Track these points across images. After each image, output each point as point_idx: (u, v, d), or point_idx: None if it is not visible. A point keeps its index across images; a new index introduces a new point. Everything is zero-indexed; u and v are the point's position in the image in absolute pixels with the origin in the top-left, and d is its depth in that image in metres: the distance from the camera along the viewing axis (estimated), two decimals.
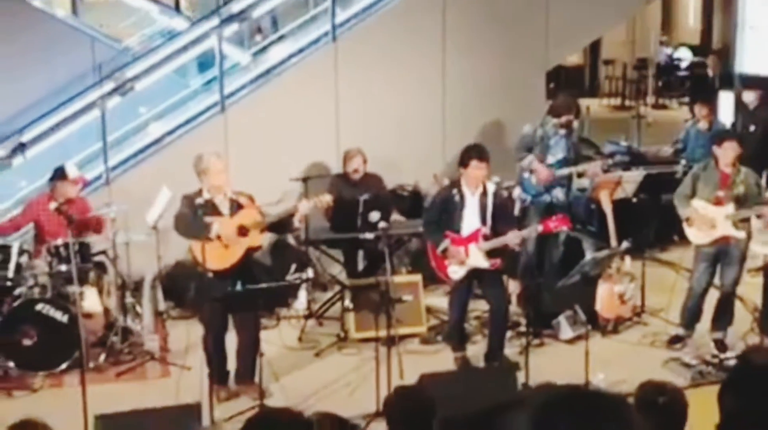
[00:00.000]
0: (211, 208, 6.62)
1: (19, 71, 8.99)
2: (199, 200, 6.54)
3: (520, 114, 9.18)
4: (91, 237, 7.73)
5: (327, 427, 3.46)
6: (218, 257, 6.59)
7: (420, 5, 9.54)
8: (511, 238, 6.90)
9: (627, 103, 18.09)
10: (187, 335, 7.53)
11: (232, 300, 6.63)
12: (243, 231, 6.65)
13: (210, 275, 6.61)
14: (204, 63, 10.05)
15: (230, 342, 6.84)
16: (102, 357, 7.32)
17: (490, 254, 6.96)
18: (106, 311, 7.63)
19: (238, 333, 6.80)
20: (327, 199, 7.11)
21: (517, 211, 8.09)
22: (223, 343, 6.74)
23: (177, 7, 10.78)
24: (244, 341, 6.75)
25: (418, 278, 8.00)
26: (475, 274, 7.07)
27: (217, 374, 6.64)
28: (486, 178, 7.00)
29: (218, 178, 6.65)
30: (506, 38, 9.75)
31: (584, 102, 12.22)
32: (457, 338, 7.31)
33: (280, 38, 10.35)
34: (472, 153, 7.00)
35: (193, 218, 6.53)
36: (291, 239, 8.83)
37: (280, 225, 6.96)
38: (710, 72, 16.68)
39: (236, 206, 6.72)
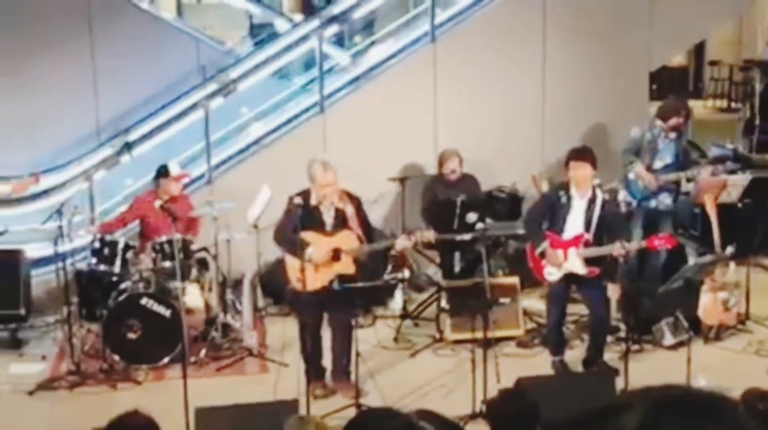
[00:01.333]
0: (316, 216, 6.64)
1: (127, 72, 9.23)
2: (298, 200, 6.56)
3: (622, 116, 9.03)
4: (196, 235, 7.91)
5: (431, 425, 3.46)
6: (310, 277, 6.53)
7: (520, 5, 9.47)
8: (613, 249, 6.75)
9: (733, 105, 17.57)
10: (285, 332, 7.65)
11: (328, 298, 6.68)
12: (336, 255, 6.62)
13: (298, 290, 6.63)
14: (304, 64, 10.16)
15: (327, 340, 6.91)
16: (203, 352, 7.47)
17: (590, 261, 6.84)
18: (207, 306, 7.79)
19: (333, 331, 6.86)
20: (429, 235, 6.84)
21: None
22: (320, 340, 6.80)
23: (280, 9, 10.93)
24: (339, 339, 6.80)
25: (515, 280, 7.93)
26: (573, 278, 6.97)
27: (314, 371, 6.70)
28: (591, 180, 6.86)
29: (322, 190, 6.62)
30: (609, 39, 9.59)
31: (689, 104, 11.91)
32: (555, 342, 7.22)
33: (379, 40, 10.38)
34: (572, 153, 6.94)
35: (292, 236, 6.54)
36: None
37: (375, 258, 6.86)
38: None
39: (340, 220, 6.67)
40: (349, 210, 6.67)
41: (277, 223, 6.76)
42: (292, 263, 6.59)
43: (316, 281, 6.58)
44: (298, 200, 6.54)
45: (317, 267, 6.58)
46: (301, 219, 6.51)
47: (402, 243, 6.76)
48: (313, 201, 6.62)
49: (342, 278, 6.62)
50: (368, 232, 6.82)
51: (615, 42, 9.62)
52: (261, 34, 10.60)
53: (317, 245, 6.55)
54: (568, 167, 6.87)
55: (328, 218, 6.66)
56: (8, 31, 8.97)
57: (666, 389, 1.67)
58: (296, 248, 6.47)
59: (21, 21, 8.98)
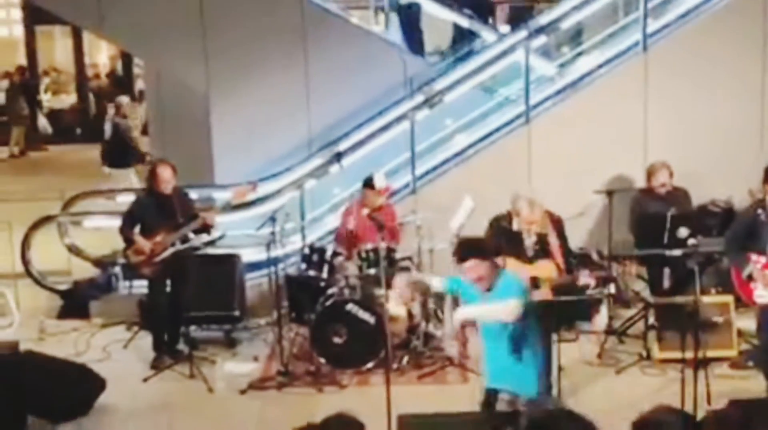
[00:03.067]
0: (517, 241, 6.60)
1: (338, 85, 9.54)
2: (504, 224, 6.54)
3: None
4: (397, 244, 8.05)
5: None
6: None
7: (739, 13, 9.03)
8: None
9: None
10: None
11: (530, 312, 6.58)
12: (534, 283, 6.52)
13: None
14: (509, 75, 10.13)
15: None
16: (405, 359, 7.59)
17: None
18: (410, 315, 7.89)
19: None
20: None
21: None
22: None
23: (486, 20, 10.95)
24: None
25: (729, 298, 7.55)
26: None
27: None
28: None
29: (526, 225, 6.61)
30: None
31: None
32: None
33: (586, 51, 10.21)
34: None
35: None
36: (594, 254, 8.66)
37: (568, 290, 6.73)
38: None
39: (542, 247, 6.60)
40: (552, 240, 6.58)
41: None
42: None
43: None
44: (504, 224, 6.53)
45: None
46: (502, 242, 6.47)
47: (584, 281, 6.61)
48: (515, 226, 6.60)
49: None
50: (567, 258, 6.70)
51: None
52: (462, 47, 10.66)
53: (517, 271, 6.49)
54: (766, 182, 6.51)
55: (530, 242, 6.60)
56: (230, 49, 9.49)
57: None
58: None
59: (241, 39, 9.47)
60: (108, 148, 12.67)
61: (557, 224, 6.69)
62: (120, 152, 12.27)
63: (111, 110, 13.56)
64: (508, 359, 5.24)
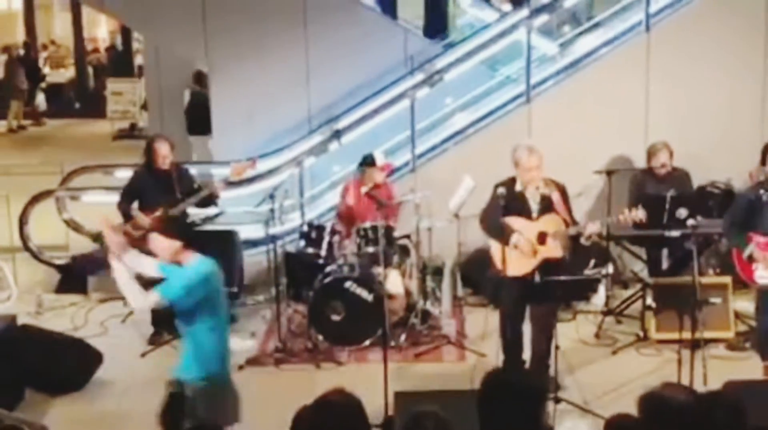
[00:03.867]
0: (521, 203, 6.59)
1: (338, 62, 9.50)
2: (501, 191, 6.53)
3: None
4: (395, 222, 8.05)
5: None
6: (514, 263, 6.46)
7: None
8: None
9: None
10: (483, 322, 7.63)
11: (530, 291, 6.60)
12: (542, 238, 6.53)
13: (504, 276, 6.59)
14: (511, 54, 10.10)
15: (526, 332, 6.84)
16: (402, 337, 7.60)
17: None
18: (408, 293, 7.90)
19: (532, 324, 6.77)
20: (639, 215, 6.58)
21: None
22: (520, 332, 6.73)
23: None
24: (539, 332, 6.71)
25: (727, 280, 7.56)
26: None
27: (513, 362, 6.66)
28: None
29: (527, 175, 6.53)
30: None
31: None
32: (766, 346, 6.83)
33: (591, 28, 10.16)
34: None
35: (497, 221, 6.50)
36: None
37: (578, 252, 6.71)
38: None
39: (546, 204, 6.59)
40: (555, 196, 6.57)
41: (483, 208, 6.74)
42: (496, 248, 6.57)
43: (520, 267, 6.49)
44: (501, 191, 6.51)
45: (521, 254, 6.50)
46: (506, 206, 6.48)
47: (593, 227, 6.53)
48: (518, 187, 6.57)
49: (548, 261, 6.51)
50: (573, 220, 6.69)
51: None
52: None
53: (523, 231, 6.48)
54: (765, 163, 6.50)
55: (534, 203, 6.58)
56: (231, 25, 9.45)
57: None
58: (501, 233, 6.45)
59: (242, 16, 9.43)
60: (186, 116, 12.05)
61: (561, 189, 6.67)
62: (198, 119, 11.51)
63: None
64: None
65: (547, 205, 6.57)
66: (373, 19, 10.02)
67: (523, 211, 6.57)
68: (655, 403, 3.48)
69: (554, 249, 6.53)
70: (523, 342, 6.77)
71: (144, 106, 13.80)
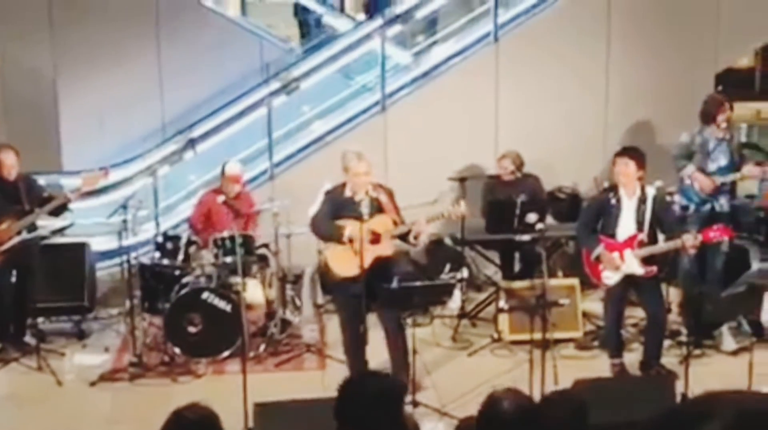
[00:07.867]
0: (352, 208, 6.67)
1: (191, 69, 9.38)
2: (327, 186, 6.64)
3: (688, 118, 8.87)
4: (254, 231, 8.00)
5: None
6: (347, 263, 6.55)
7: (585, 5, 9.38)
8: (667, 246, 6.69)
9: None
10: None
11: (385, 297, 6.67)
12: (375, 238, 6.64)
13: (338, 280, 6.66)
14: (366, 63, 10.22)
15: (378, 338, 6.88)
16: (262, 347, 7.55)
17: (647, 260, 6.79)
18: (268, 302, 7.86)
19: (385, 330, 6.81)
20: (461, 210, 6.84)
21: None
22: (358, 331, 6.65)
23: (342, 8, 11.01)
24: (392, 336, 6.76)
25: (575, 281, 7.87)
26: (630, 280, 6.91)
27: (356, 364, 6.68)
28: (640, 180, 6.80)
29: (356, 180, 6.62)
30: (674, 39, 9.46)
31: (755, 106, 11.69)
32: (614, 345, 7.15)
33: (441, 40, 10.38)
34: (619, 151, 6.94)
35: (329, 223, 6.60)
36: (447, 239, 8.86)
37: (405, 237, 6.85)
38: None
39: (376, 207, 6.71)
40: (383, 198, 6.70)
41: (313, 215, 6.81)
42: (330, 251, 6.63)
43: (353, 267, 6.54)
44: (327, 186, 6.61)
45: (356, 252, 6.57)
46: (337, 209, 6.59)
47: (423, 225, 6.59)
48: (348, 193, 6.68)
49: (380, 260, 6.62)
50: (401, 219, 6.83)
51: (680, 43, 9.48)
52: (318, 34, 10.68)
53: (355, 227, 6.56)
54: (614, 163, 6.86)
55: (364, 208, 6.69)
56: (78, 30, 9.17)
57: (739, 396, 1.61)
58: (333, 232, 6.55)
59: (89, 19, 9.18)
60: None
61: (389, 192, 6.81)
62: None
63: None
64: None
65: (376, 208, 6.70)
66: (227, 26, 9.94)
67: (354, 214, 6.67)
68: (488, 406, 3.61)
69: (387, 247, 6.67)
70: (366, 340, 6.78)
71: None
